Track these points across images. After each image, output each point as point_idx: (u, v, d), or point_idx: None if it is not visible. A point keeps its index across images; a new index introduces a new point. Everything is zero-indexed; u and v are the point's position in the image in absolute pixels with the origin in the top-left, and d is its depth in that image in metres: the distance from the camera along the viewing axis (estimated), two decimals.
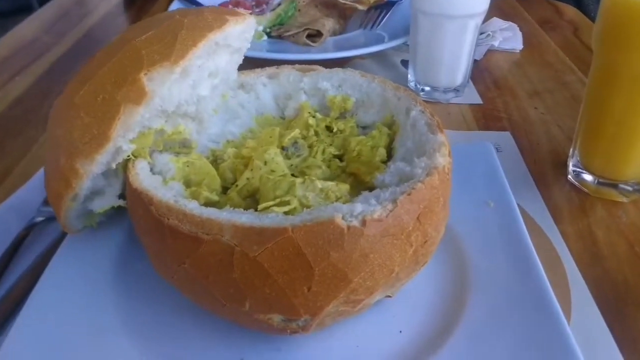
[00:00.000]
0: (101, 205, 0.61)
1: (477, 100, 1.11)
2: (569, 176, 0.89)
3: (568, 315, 0.66)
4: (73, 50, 1.39)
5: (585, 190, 0.86)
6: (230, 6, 1.29)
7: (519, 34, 1.34)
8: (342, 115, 0.73)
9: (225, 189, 0.64)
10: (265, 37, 1.21)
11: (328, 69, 0.75)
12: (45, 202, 0.81)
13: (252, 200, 0.61)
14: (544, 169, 0.91)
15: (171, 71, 0.54)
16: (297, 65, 0.76)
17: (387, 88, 0.70)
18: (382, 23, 1.25)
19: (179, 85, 0.57)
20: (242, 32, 0.63)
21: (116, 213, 0.66)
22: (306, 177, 0.57)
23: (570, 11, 1.62)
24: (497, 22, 1.34)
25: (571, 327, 0.59)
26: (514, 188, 0.77)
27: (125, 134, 0.54)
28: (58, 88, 1.19)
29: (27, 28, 1.52)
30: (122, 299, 0.63)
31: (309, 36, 1.18)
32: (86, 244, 0.68)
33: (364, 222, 0.49)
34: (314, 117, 0.71)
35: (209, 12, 0.60)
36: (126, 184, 0.58)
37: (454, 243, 0.69)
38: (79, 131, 0.54)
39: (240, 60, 0.69)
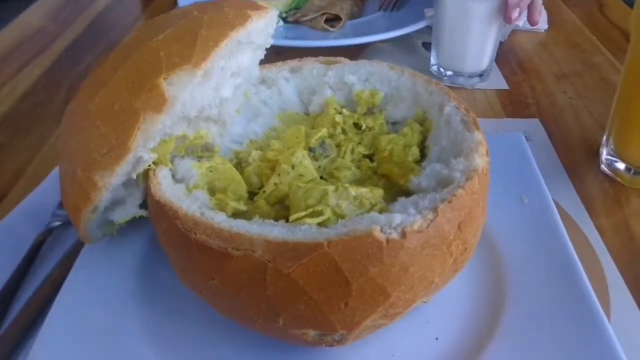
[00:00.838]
0: (122, 215, 0.58)
1: (503, 85, 1.07)
2: (602, 166, 0.85)
3: (607, 316, 0.63)
4: (81, 39, 1.35)
5: (620, 180, 0.82)
6: None
7: (544, 13, 1.28)
8: (370, 111, 0.70)
9: (251, 194, 0.61)
10: (281, 23, 1.15)
11: (354, 62, 0.71)
12: (61, 205, 0.78)
13: (281, 206, 0.58)
14: (576, 158, 0.88)
15: (193, 74, 0.51)
16: (320, 58, 0.72)
17: (417, 82, 0.66)
18: (402, 4, 1.20)
19: (202, 88, 0.54)
20: (264, 27, 0.59)
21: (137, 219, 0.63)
22: (339, 184, 0.53)
23: None
24: None
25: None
26: (546, 179, 0.74)
27: (145, 143, 0.51)
28: (67, 81, 1.15)
29: (32, 16, 1.47)
30: (147, 311, 0.61)
31: (327, 20, 1.13)
32: (106, 253, 0.65)
33: (403, 234, 0.46)
34: (340, 113, 0.68)
35: (229, 8, 0.56)
36: (148, 194, 0.55)
37: (488, 242, 0.66)
38: (96, 141, 0.51)
39: (262, 56, 0.65)
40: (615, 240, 0.72)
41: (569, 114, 0.98)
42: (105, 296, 0.62)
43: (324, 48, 1.02)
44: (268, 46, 0.63)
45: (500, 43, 1.20)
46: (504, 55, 1.17)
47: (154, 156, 0.53)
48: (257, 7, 0.58)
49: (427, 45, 1.16)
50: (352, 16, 1.20)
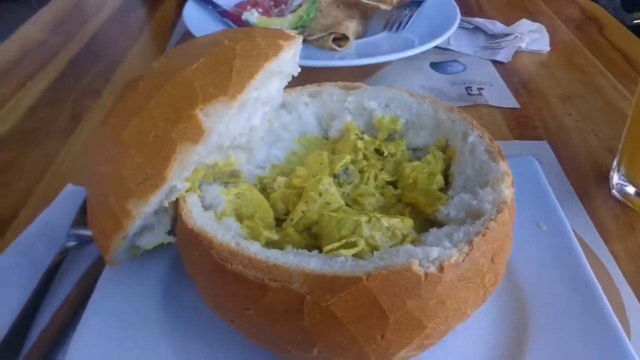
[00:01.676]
0: (150, 241, 0.58)
1: (514, 103, 1.08)
2: (613, 190, 0.86)
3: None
4: (84, 52, 1.34)
5: (631, 205, 0.84)
6: (248, 7, 1.24)
7: (546, 35, 1.30)
8: (391, 137, 0.70)
9: (277, 220, 0.61)
10: None
11: (373, 87, 0.71)
12: (74, 225, 0.77)
13: (308, 233, 0.58)
14: (586, 182, 0.89)
15: (229, 106, 0.51)
16: (339, 83, 0.73)
17: (439, 109, 0.67)
18: (408, 24, 1.21)
19: (236, 119, 0.54)
20: (293, 56, 0.59)
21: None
22: (371, 215, 0.54)
23: (590, 6, 1.58)
24: (526, 24, 1.30)
25: None
26: (559, 203, 0.74)
27: (181, 173, 0.51)
28: (72, 96, 1.14)
29: (33, 29, 1.46)
30: (175, 334, 0.60)
31: (334, 40, 1.14)
32: (128, 276, 0.65)
33: (441, 268, 0.47)
34: (361, 139, 0.68)
35: (260, 37, 0.56)
36: (178, 221, 0.55)
37: (508, 270, 0.66)
38: (130, 170, 0.50)
39: (286, 83, 0.65)
40: (631, 266, 0.73)
41: (576, 136, 0.99)
42: (131, 320, 0.61)
43: (334, 68, 1.03)
44: (295, 74, 0.63)
45: (504, 64, 1.22)
46: (509, 76, 1.18)
47: (187, 185, 0.53)
48: (287, 37, 0.58)
49: (434, 65, 1.18)
50: (358, 35, 1.20)
